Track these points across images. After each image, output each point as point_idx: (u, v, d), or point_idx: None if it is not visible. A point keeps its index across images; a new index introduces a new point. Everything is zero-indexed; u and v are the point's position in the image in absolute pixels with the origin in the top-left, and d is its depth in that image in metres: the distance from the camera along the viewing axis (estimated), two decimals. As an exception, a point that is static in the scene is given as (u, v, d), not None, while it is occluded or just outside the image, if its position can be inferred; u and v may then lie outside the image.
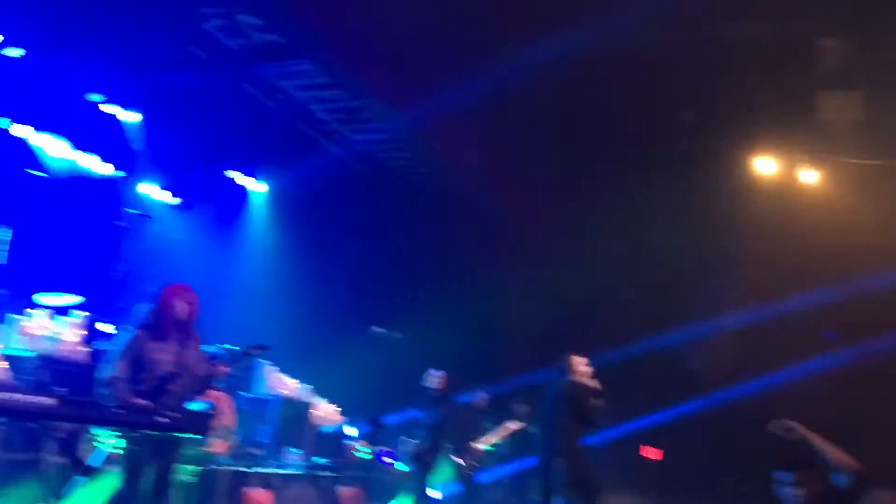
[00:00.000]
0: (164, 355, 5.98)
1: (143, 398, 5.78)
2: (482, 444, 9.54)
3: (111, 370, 5.88)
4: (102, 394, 7.50)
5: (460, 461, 9.17)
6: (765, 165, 11.36)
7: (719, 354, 12.23)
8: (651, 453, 12.65)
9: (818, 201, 11.43)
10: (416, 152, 11.43)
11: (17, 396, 5.23)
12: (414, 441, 8.76)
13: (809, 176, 11.33)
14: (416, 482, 8.59)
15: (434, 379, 8.82)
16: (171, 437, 6.23)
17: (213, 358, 6.53)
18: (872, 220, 11.03)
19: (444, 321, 10.66)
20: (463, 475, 9.23)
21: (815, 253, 11.53)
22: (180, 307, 6.06)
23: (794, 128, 10.76)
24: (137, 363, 5.90)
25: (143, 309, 8.47)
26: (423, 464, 8.62)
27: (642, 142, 10.97)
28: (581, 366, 7.55)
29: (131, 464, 5.88)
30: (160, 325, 6.02)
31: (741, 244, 12.00)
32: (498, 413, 9.84)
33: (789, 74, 9.75)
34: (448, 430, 8.70)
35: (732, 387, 11.83)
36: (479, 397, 9.70)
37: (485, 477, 9.74)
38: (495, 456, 9.84)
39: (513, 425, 9.72)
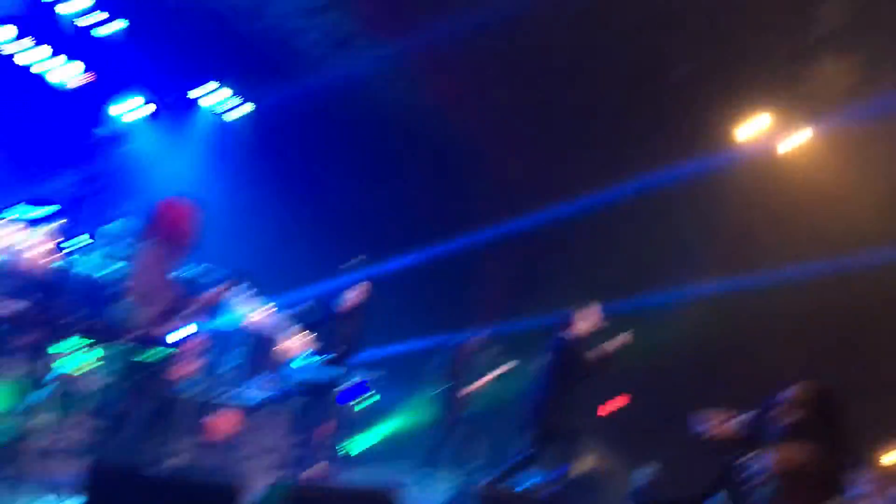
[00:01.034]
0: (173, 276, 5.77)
1: (162, 317, 5.60)
2: (475, 386, 9.45)
3: (128, 291, 5.58)
4: (67, 304, 7.44)
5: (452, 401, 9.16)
6: (752, 128, 11.26)
7: (692, 320, 12.20)
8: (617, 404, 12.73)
9: (806, 167, 11.36)
10: (404, 85, 11.21)
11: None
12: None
13: (797, 140, 11.26)
14: None
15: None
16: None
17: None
18: (861, 189, 10.98)
19: (424, 259, 10.56)
20: (454, 415, 9.22)
21: (801, 222, 11.48)
22: (189, 223, 5.78)
23: (783, 89, 10.64)
24: (152, 285, 5.64)
25: (125, 222, 8.34)
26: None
27: (629, 97, 10.79)
28: (588, 319, 7.40)
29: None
30: (171, 242, 5.73)
31: (723, 210, 11.90)
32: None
33: (780, 33, 9.58)
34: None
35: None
36: (476, 338, 9.62)
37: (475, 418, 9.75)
38: (486, 397, 9.82)
39: (504, 368, 9.64)
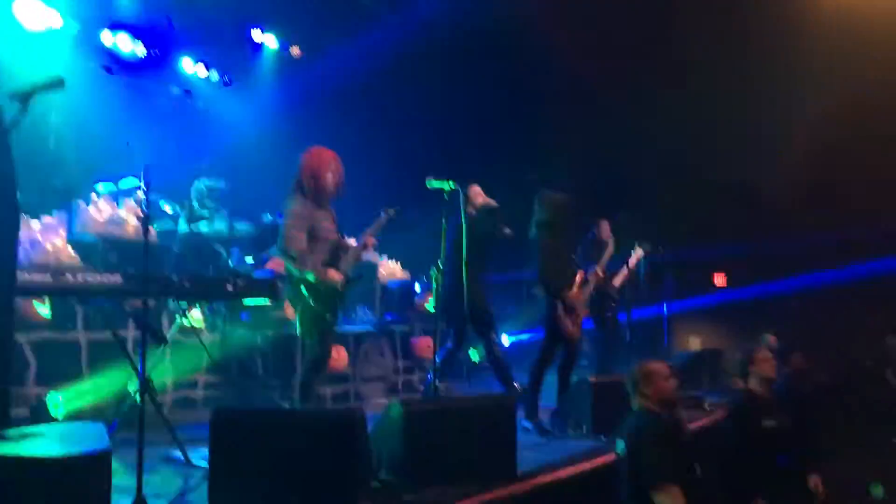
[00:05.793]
0: (328, 224, 5.75)
1: (327, 263, 5.61)
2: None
3: (290, 243, 5.56)
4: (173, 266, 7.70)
5: None
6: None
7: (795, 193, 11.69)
8: (718, 279, 12.52)
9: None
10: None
11: (86, 277, 5.38)
12: None
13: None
14: None
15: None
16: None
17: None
18: None
19: (503, 174, 10.36)
20: None
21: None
22: (331, 173, 5.76)
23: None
24: (310, 234, 5.63)
25: (200, 186, 8.48)
26: None
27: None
28: (480, 196, 7.02)
29: None
30: (317, 193, 5.69)
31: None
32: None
33: None
34: None
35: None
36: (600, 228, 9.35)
37: None
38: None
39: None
